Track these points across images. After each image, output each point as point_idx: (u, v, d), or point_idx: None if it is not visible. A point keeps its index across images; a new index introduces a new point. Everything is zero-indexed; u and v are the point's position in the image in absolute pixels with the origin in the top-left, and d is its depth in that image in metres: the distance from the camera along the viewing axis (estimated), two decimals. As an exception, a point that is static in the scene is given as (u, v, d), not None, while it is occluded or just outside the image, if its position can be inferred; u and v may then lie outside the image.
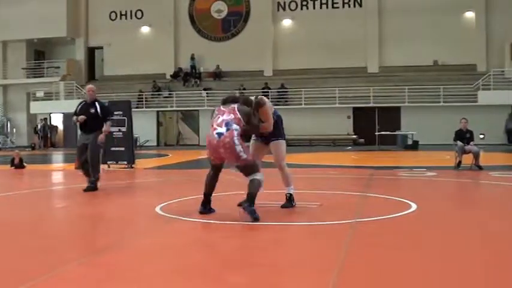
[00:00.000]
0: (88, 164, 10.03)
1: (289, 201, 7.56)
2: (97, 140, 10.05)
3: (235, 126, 6.79)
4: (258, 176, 6.77)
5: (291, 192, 7.60)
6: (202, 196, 7.12)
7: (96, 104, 10.31)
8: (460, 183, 11.86)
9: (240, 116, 6.91)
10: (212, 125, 6.92)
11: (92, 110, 10.17)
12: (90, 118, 10.09)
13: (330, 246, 5.36)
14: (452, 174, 13.16)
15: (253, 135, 7.69)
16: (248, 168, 6.81)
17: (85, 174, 10.09)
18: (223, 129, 6.76)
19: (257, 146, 7.71)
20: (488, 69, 31.45)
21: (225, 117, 6.88)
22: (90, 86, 10.94)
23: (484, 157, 14.89)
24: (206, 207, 7.06)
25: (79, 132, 10.57)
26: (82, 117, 10.07)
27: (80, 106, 10.45)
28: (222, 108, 7.05)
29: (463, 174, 12.91)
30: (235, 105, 7.04)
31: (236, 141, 6.71)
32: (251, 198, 6.62)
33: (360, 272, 4.41)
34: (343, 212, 7.20)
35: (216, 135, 6.76)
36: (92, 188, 9.98)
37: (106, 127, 10.28)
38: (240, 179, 7.50)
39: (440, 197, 9.44)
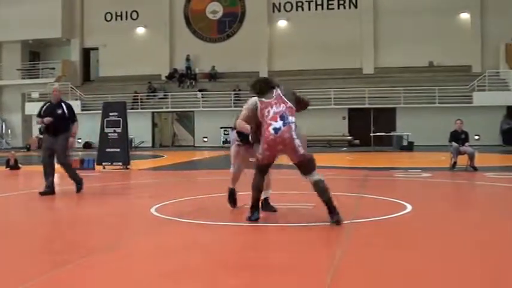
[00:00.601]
0: (52, 168, 9.83)
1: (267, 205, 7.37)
2: (66, 145, 9.78)
3: (291, 118, 6.37)
4: (319, 176, 6.41)
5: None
6: (253, 204, 6.58)
7: (63, 104, 9.94)
8: (455, 184, 11.88)
9: (291, 104, 6.47)
10: (266, 122, 6.36)
11: (59, 111, 9.79)
12: (57, 119, 9.74)
13: (325, 247, 5.36)
14: (447, 175, 13.18)
15: (236, 140, 7.34)
16: (308, 165, 6.39)
17: (46, 176, 9.79)
18: (279, 124, 6.29)
19: (242, 151, 7.33)
20: (483, 70, 31.51)
21: (276, 109, 6.38)
22: (55, 86, 10.55)
23: (479, 158, 14.91)
24: (259, 211, 6.61)
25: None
26: (49, 119, 9.70)
27: (44, 107, 10.06)
28: (265, 100, 6.49)
29: (458, 175, 12.93)
30: (279, 92, 6.55)
31: (294, 135, 6.33)
32: (332, 205, 6.29)
33: (355, 273, 4.41)
34: (338, 213, 7.18)
35: (272, 131, 6.28)
36: (80, 188, 9.93)
37: (74, 129, 9.96)
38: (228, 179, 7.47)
39: (436, 198, 9.44)
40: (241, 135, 7.18)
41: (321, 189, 6.37)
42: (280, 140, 6.28)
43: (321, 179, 6.40)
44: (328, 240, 5.70)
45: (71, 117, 9.92)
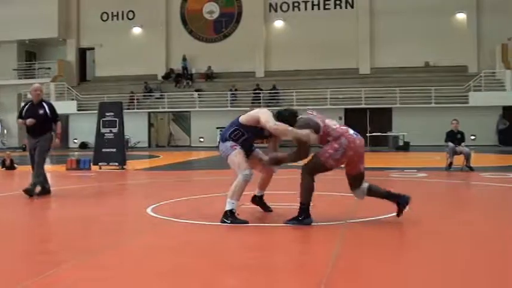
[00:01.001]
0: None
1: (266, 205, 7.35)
2: (48, 144, 9.52)
3: None
4: (367, 182, 6.63)
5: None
6: (307, 207, 6.38)
7: (44, 104, 9.62)
8: (451, 184, 11.89)
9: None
10: (334, 133, 6.34)
11: (41, 111, 9.46)
12: (40, 120, 9.41)
13: (323, 247, 5.36)
14: (443, 175, 13.19)
15: (237, 146, 6.69)
16: (363, 174, 6.60)
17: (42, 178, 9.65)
18: (352, 130, 6.40)
19: (243, 154, 6.74)
20: (480, 71, 31.60)
21: (331, 121, 6.47)
22: (36, 85, 10.02)
23: (475, 158, 14.94)
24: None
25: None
26: (31, 121, 9.35)
27: (25, 108, 9.70)
28: (315, 119, 6.45)
29: (454, 175, 12.95)
30: (312, 113, 6.59)
31: None
32: (392, 194, 6.51)
33: (353, 272, 4.41)
34: (335, 213, 7.20)
35: (355, 136, 6.34)
36: (32, 190, 9.38)
37: (58, 129, 9.67)
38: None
39: (432, 198, 9.45)
40: (240, 138, 6.69)
41: (375, 189, 6.60)
42: (362, 143, 6.43)
43: (369, 183, 6.60)
44: (325, 240, 5.70)
45: (54, 117, 9.63)
